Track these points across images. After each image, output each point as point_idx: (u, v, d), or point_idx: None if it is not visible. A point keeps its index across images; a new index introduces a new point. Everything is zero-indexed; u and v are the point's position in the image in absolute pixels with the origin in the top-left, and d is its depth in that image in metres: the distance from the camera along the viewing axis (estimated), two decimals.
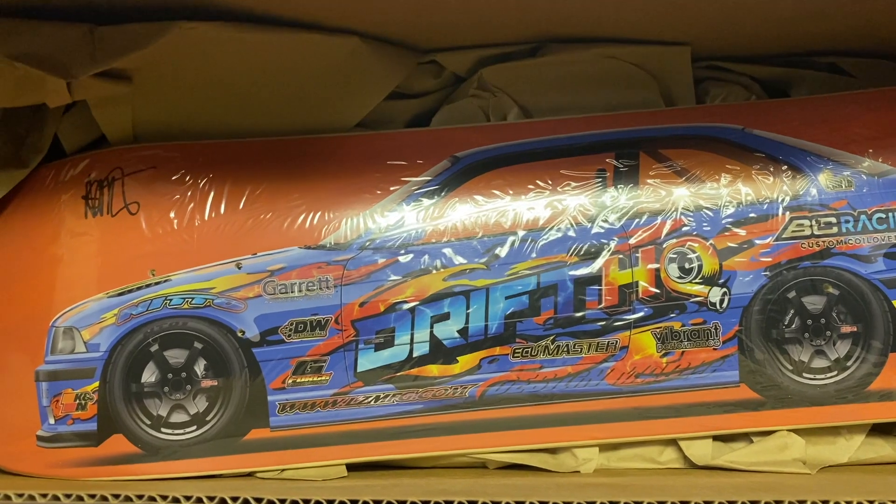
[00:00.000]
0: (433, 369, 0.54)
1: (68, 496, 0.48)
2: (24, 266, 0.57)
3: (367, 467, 0.55)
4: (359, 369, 0.54)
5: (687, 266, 0.54)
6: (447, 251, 0.55)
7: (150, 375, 0.54)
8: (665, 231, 0.55)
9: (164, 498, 0.46)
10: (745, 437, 0.55)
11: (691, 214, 0.55)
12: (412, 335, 0.54)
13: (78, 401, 0.54)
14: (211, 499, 0.44)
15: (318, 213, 0.55)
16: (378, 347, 0.54)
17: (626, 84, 0.58)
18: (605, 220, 0.55)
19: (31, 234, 0.57)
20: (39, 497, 0.48)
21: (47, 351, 0.55)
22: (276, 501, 0.44)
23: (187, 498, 0.45)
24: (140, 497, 0.48)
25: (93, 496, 0.48)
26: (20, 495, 0.49)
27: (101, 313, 0.54)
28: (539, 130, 0.56)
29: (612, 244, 0.54)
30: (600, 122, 0.56)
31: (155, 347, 0.54)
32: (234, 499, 0.44)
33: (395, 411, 0.54)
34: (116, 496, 0.48)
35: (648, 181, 0.55)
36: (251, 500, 0.44)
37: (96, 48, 0.51)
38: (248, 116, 0.57)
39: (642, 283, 0.54)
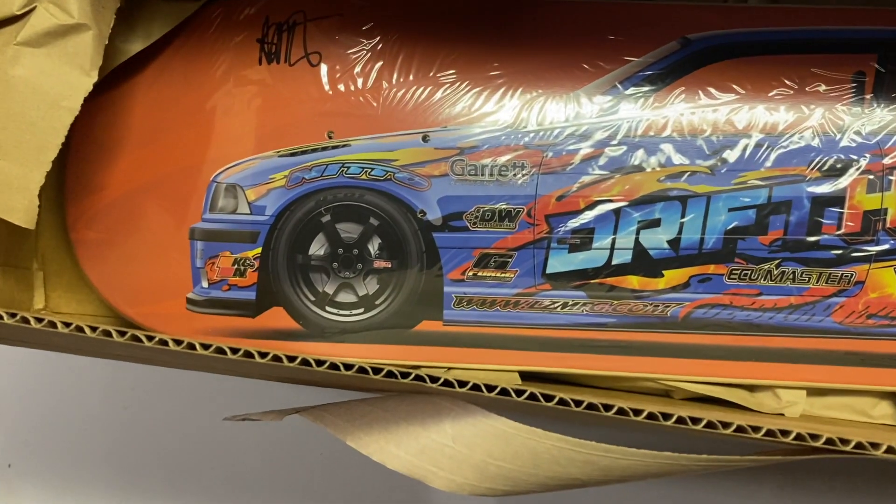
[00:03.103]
0: (633, 281, 0.48)
1: (206, 346, 0.42)
2: (183, 112, 0.51)
3: (541, 380, 0.50)
4: (548, 270, 0.48)
5: None
6: (666, 148, 0.47)
7: (318, 248, 0.49)
8: None
9: (320, 363, 0.38)
10: None
11: None
12: (614, 240, 0.48)
13: (236, 266, 0.49)
14: (405, 374, 0.38)
15: (520, 88, 0.48)
16: (573, 249, 0.48)
17: None
18: (858, 133, 0.47)
19: (193, 78, 0.51)
20: (173, 344, 0.43)
21: (205, 208, 0.50)
22: (481, 385, 0.37)
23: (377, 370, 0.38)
24: (292, 359, 0.41)
25: (235, 350, 0.42)
26: (151, 338, 0.44)
27: (270, 173, 0.49)
28: (788, 19, 0.48)
29: (863, 162, 0.46)
30: (864, 17, 0.47)
31: (326, 218, 0.49)
32: (434, 379, 0.37)
33: (582, 321, 0.48)
34: (264, 354, 0.42)
35: None
36: (482, 386, 0.38)
37: None
38: None
39: (892, 211, 0.46)
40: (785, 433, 0.41)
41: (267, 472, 0.64)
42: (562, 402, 0.40)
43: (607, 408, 0.41)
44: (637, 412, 0.41)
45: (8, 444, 0.64)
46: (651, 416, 0.41)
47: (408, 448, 0.34)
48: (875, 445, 0.40)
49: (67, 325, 0.40)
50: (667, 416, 0.41)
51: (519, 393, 0.38)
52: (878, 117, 0.47)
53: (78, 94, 0.46)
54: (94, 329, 0.40)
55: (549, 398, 0.39)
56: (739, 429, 0.41)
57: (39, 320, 0.40)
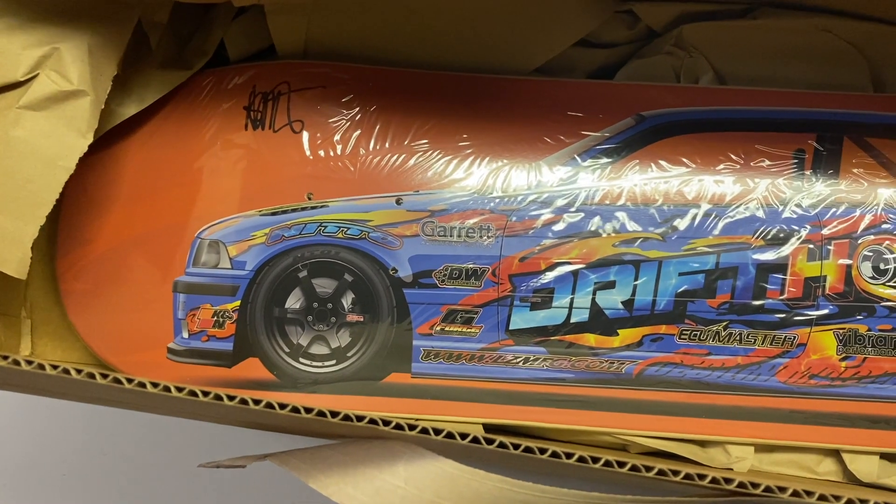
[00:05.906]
0: (590, 338, 0.51)
1: (206, 394, 0.45)
2: (172, 172, 0.54)
3: (503, 432, 0.52)
4: (511, 327, 0.51)
5: (882, 266, 0.50)
6: (621, 215, 0.51)
7: (294, 302, 0.52)
8: (863, 226, 0.50)
9: (283, 406, 0.40)
10: None
11: (894, 212, 0.50)
12: (572, 299, 0.51)
13: (216, 318, 0.52)
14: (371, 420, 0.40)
15: (487, 158, 0.52)
16: (534, 307, 0.51)
17: (835, 62, 0.52)
18: (799, 206, 0.50)
19: (183, 141, 0.54)
20: (175, 390, 0.45)
21: (189, 262, 0.53)
22: (429, 430, 0.39)
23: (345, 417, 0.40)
24: (257, 402, 0.43)
25: (232, 398, 0.45)
26: (155, 385, 0.46)
27: (252, 231, 0.52)
28: (735, 99, 0.52)
29: (803, 232, 0.50)
30: (804, 100, 0.52)
31: (303, 274, 0.52)
32: (387, 422, 0.40)
33: (542, 376, 0.51)
34: (258, 402, 0.44)
35: (851, 170, 0.50)
36: (430, 430, 0.40)
37: None
38: (425, 46, 0.53)
39: (831, 279, 0.50)
40: (728, 481, 0.43)
41: None
42: (528, 449, 0.43)
43: (568, 455, 0.43)
44: (595, 459, 0.44)
45: None
46: (607, 463, 0.43)
47: (364, 489, 0.36)
48: (809, 493, 0.42)
49: (55, 367, 0.42)
50: (621, 464, 0.44)
51: (463, 436, 0.41)
52: (816, 191, 0.50)
53: (74, 154, 0.49)
54: (79, 371, 0.43)
55: (489, 441, 0.41)
56: (687, 476, 0.44)
57: (30, 362, 0.42)
